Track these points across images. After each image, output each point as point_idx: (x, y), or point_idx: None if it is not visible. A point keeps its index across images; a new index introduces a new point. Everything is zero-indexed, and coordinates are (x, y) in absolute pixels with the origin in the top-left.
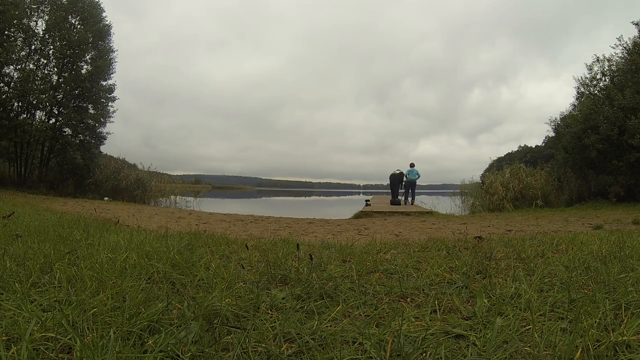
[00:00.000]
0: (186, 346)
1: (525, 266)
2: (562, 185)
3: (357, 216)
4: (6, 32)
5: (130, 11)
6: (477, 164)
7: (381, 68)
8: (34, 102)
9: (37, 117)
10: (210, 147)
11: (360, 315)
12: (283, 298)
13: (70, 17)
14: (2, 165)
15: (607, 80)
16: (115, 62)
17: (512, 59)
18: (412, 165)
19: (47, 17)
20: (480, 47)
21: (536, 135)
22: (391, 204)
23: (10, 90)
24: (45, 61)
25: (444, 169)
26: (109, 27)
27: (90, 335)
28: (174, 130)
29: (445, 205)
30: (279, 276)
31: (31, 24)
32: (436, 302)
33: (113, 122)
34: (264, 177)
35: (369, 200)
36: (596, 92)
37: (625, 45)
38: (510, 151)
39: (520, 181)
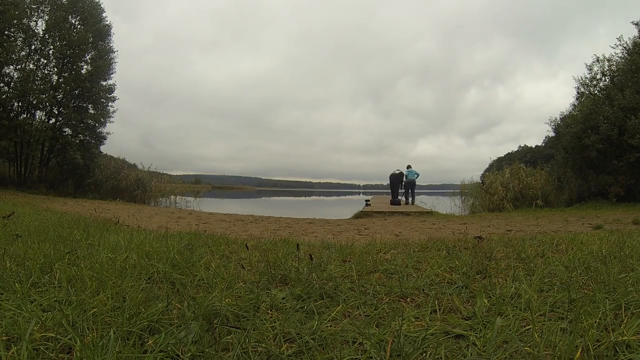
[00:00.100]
0: (186, 346)
1: (525, 266)
2: (562, 185)
3: (357, 216)
4: (6, 32)
5: (124, 12)
6: (476, 164)
7: (376, 68)
8: (34, 102)
9: (37, 117)
10: (209, 147)
11: (360, 315)
12: (283, 298)
13: (70, 17)
14: (2, 165)
15: (607, 80)
16: (115, 62)
17: (508, 59)
18: (408, 167)
19: (47, 17)
20: (475, 46)
21: (534, 136)
22: (391, 204)
23: (10, 90)
24: (45, 61)
25: (444, 169)
26: (109, 27)
27: (90, 335)
28: (171, 131)
29: (445, 205)
30: (279, 276)
31: (31, 24)
32: (436, 302)
33: (113, 122)
34: (263, 177)
35: (369, 200)
36: (596, 92)
37: (625, 45)
38: (510, 151)
39: (520, 181)
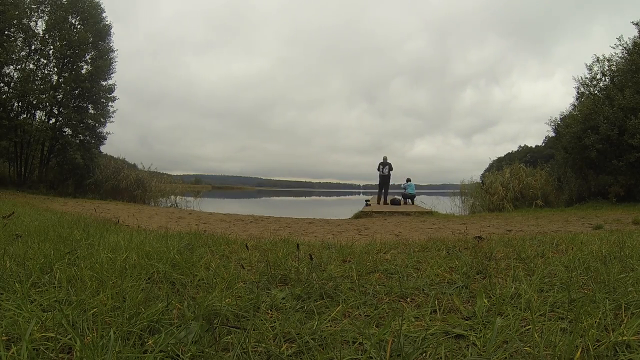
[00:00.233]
0: (186, 346)
1: (525, 266)
2: (562, 185)
3: (357, 216)
4: (6, 32)
5: (118, 13)
6: (475, 164)
7: (368, 68)
8: (34, 102)
9: (37, 117)
10: (207, 147)
11: (360, 315)
12: (283, 298)
13: (70, 17)
14: (2, 165)
15: (607, 80)
16: (115, 62)
17: (503, 59)
18: (408, 180)
19: (47, 17)
20: (469, 46)
21: (532, 136)
22: (391, 203)
23: (10, 90)
24: (45, 61)
25: (443, 169)
26: (109, 27)
27: (90, 335)
28: (168, 131)
29: (445, 205)
30: (279, 276)
31: (31, 24)
32: (436, 302)
33: (113, 122)
34: (263, 177)
35: (368, 200)
36: (596, 92)
37: (625, 46)
38: (510, 151)
39: (520, 181)
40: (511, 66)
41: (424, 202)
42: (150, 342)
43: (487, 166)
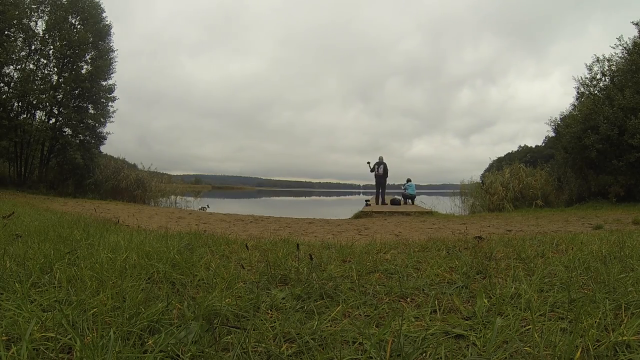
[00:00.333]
0: (186, 346)
1: (525, 266)
2: (562, 185)
3: (357, 216)
4: (6, 32)
5: (114, 14)
6: (474, 164)
7: (363, 68)
8: (34, 102)
9: (37, 117)
10: (206, 147)
11: (360, 315)
12: (283, 298)
13: (70, 17)
14: (2, 165)
15: (607, 80)
16: (115, 62)
17: (498, 59)
18: (408, 180)
19: (47, 17)
20: (464, 46)
21: (531, 136)
22: (391, 203)
23: (10, 90)
24: (45, 61)
25: (442, 169)
26: (109, 27)
27: (90, 335)
28: (167, 131)
29: (445, 205)
30: (279, 276)
31: (31, 24)
32: (436, 302)
33: (113, 122)
34: (263, 177)
35: (369, 200)
36: (596, 92)
37: (625, 45)
38: (510, 151)
39: (520, 181)
40: (507, 66)
41: (424, 202)
42: (150, 342)
43: (487, 166)
